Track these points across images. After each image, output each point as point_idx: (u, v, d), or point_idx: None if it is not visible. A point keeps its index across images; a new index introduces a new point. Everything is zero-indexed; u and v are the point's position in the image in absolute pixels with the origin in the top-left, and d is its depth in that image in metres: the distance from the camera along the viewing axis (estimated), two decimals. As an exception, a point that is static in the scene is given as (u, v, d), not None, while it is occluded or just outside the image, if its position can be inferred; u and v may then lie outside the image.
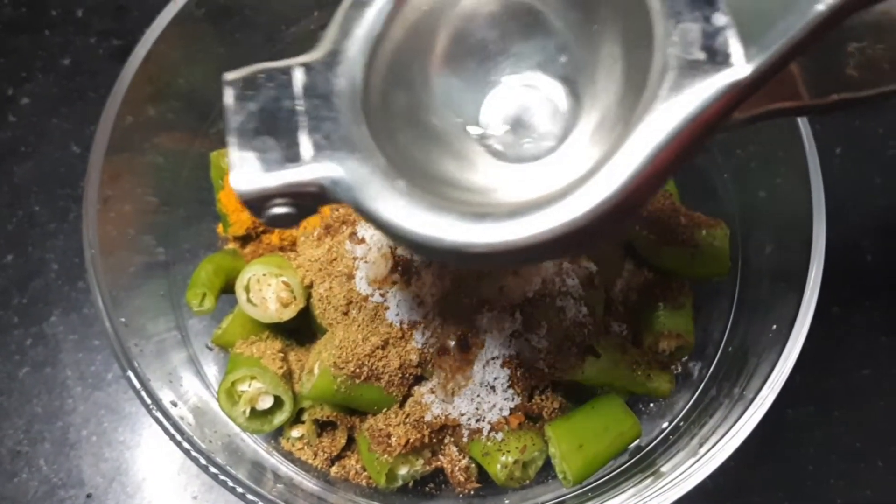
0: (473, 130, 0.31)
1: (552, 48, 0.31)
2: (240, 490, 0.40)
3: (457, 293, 0.43)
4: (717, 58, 0.23)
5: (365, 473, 0.46)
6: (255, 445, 0.46)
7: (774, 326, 0.42)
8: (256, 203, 0.26)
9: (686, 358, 0.49)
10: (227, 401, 0.43)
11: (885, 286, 0.58)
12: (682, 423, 0.47)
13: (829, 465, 0.54)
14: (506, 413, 0.43)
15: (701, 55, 0.24)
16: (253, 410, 0.44)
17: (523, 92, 0.31)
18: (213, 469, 0.40)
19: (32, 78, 0.64)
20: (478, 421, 0.43)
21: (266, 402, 0.44)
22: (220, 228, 0.51)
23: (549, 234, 0.24)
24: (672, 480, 0.39)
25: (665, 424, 0.48)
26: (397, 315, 0.43)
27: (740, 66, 0.23)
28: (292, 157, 0.26)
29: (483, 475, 0.45)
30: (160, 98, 0.45)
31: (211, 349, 0.49)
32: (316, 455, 0.46)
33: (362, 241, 0.44)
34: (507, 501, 0.47)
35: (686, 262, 0.47)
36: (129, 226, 0.46)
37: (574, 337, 0.43)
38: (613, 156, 0.24)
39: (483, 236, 0.25)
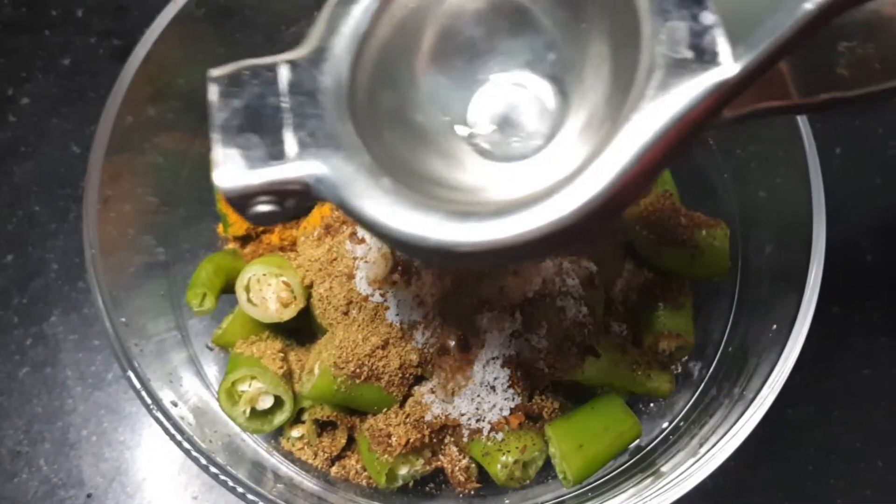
0: (461, 129, 0.31)
1: (540, 46, 0.31)
2: (240, 490, 0.40)
3: (457, 293, 0.43)
4: (704, 56, 0.23)
5: (365, 473, 0.46)
6: (255, 445, 0.46)
7: (774, 326, 0.42)
8: (240, 201, 0.26)
9: (686, 358, 0.49)
10: (228, 401, 0.43)
11: (885, 286, 0.58)
12: (682, 423, 0.47)
13: (829, 465, 0.54)
14: (506, 413, 0.43)
15: (688, 54, 0.23)
16: (253, 410, 0.44)
17: (511, 90, 0.31)
18: (213, 469, 0.40)
19: (32, 78, 0.64)
20: (478, 421, 0.43)
21: (266, 402, 0.44)
22: (220, 228, 0.51)
23: (535, 232, 0.24)
24: (672, 480, 0.39)
25: (665, 424, 0.48)
26: (397, 315, 0.43)
27: (728, 65, 0.23)
28: (277, 154, 0.26)
29: (483, 475, 0.45)
30: (160, 98, 0.45)
31: (211, 349, 0.49)
32: (316, 455, 0.46)
33: (362, 240, 0.44)
34: (507, 501, 0.47)
35: (686, 262, 0.47)
36: (129, 226, 0.46)
37: (574, 337, 0.43)
38: (600, 155, 0.24)
39: (468, 235, 0.25)
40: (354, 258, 0.44)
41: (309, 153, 0.26)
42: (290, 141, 0.26)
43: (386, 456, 0.43)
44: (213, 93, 0.27)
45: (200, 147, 0.49)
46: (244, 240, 0.50)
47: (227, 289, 0.47)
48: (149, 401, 0.41)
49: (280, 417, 0.45)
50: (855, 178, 0.61)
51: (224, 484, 0.40)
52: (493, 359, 0.43)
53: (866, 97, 0.29)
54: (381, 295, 0.43)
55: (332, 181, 0.26)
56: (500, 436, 0.43)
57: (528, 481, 0.44)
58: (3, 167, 0.61)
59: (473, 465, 0.45)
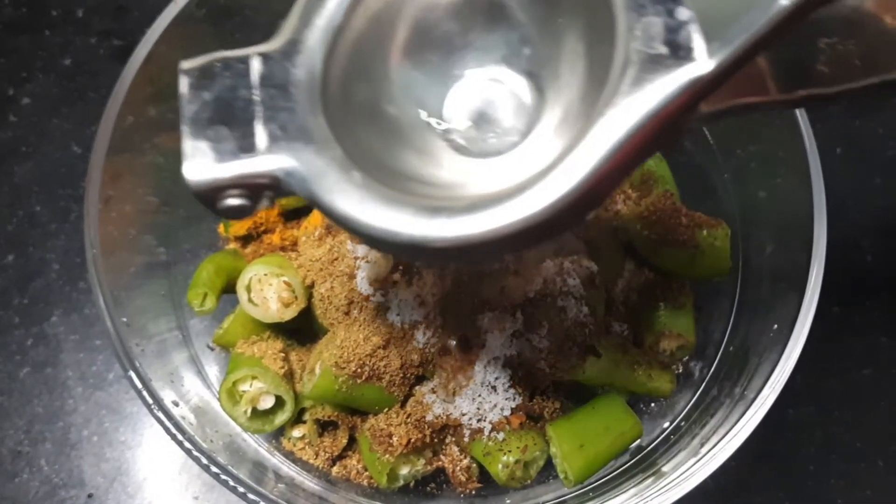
0: (436, 125, 0.31)
1: (516, 42, 0.30)
2: (241, 490, 0.40)
3: (458, 293, 0.43)
4: (679, 52, 0.23)
5: (366, 473, 0.46)
6: (256, 445, 0.46)
7: (775, 326, 0.42)
8: (209, 194, 0.26)
9: (687, 358, 0.49)
10: (229, 401, 0.43)
11: (885, 286, 0.58)
12: (683, 423, 0.47)
13: (829, 465, 0.54)
14: (507, 413, 0.43)
15: (663, 49, 0.23)
16: (254, 410, 0.44)
17: (487, 86, 0.31)
18: (214, 469, 0.40)
19: (33, 78, 0.64)
20: (479, 421, 0.43)
21: (267, 402, 0.44)
22: (221, 228, 0.51)
23: (507, 228, 0.24)
24: (673, 480, 0.40)
25: (666, 424, 0.48)
26: (398, 315, 0.43)
27: (702, 61, 0.23)
28: (247, 147, 0.25)
29: (484, 475, 0.45)
30: (161, 98, 0.45)
31: (212, 349, 0.49)
32: (317, 455, 0.46)
33: (363, 241, 0.44)
34: (508, 501, 0.47)
35: (687, 263, 0.47)
36: (130, 226, 0.46)
37: (575, 337, 0.43)
38: (573, 150, 0.24)
39: (439, 230, 0.24)
40: (355, 258, 0.44)
41: (279, 146, 0.25)
42: (260, 134, 0.26)
43: (387, 456, 0.43)
44: (184, 85, 0.27)
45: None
46: (245, 240, 0.50)
47: (229, 289, 0.47)
48: (150, 401, 0.41)
49: (281, 417, 0.45)
50: (855, 178, 0.61)
51: (225, 484, 0.40)
52: (495, 359, 0.43)
53: (845, 94, 0.28)
54: (383, 295, 0.43)
55: (303, 175, 0.25)
56: (501, 436, 0.43)
57: (529, 481, 0.44)
58: (4, 167, 0.61)
59: (474, 465, 0.45)
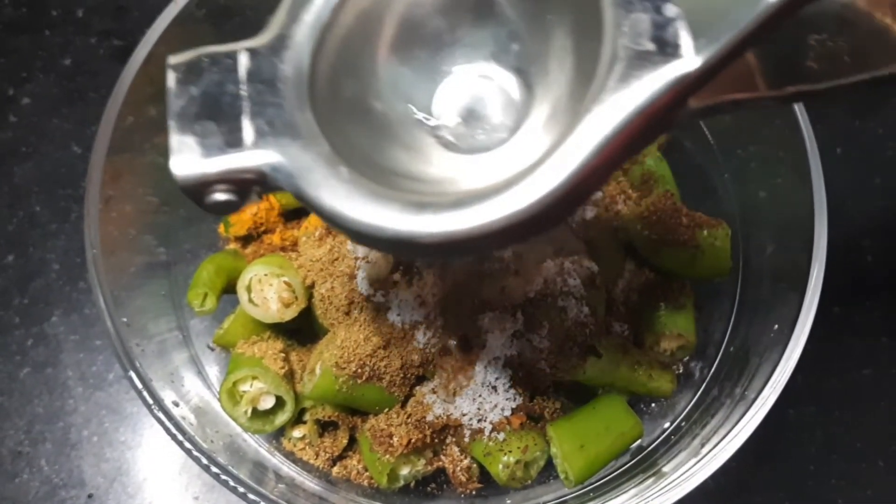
0: (425, 121, 0.31)
1: (504, 38, 0.30)
2: (241, 490, 0.40)
3: (458, 293, 0.43)
4: (666, 49, 0.23)
5: (367, 473, 0.46)
6: (256, 445, 0.46)
7: (776, 326, 0.42)
8: (196, 189, 0.26)
9: (687, 358, 0.49)
10: (229, 401, 0.43)
11: (885, 286, 0.58)
12: (683, 424, 0.47)
13: (830, 465, 0.54)
14: (507, 413, 0.43)
15: (650, 46, 0.23)
16: (254, 410, 0.44)
17: (476, 82, 0.31)
18: (214, 469, 0.40)
19: (33, 78, 0.64)
20: (479, 421, 0.43)
21: (268, 403, 0.44)
22: (221, 228, 0.51)
23: (493, 224, 0.24)
24: (674, 480, 0.40)
25: (667, 424, 0.48)
26: (399, 315, 0.43)
27: (689, 58, 0.23)
28: (233, 142, 0.25)
29: (485, 475, 0.45)
30: (161, 98, 0.45)
31: (212, 349, 0.49)
32: (318, 455, 0.46)
33: (364, 241, 0.44)
34: (508, 502, 0.47)
35: (687, 263, 0.47)
36: (130, 226, 0.46)
37: (575, 337, 0.43)
38: (559, 147, 0.24)
39: (425, 226, 0.24)
40: (356, 258, 0.44)
41: (266, 141, 0.25)
42: (247, 129, 0.26)
43: (387, 456, 0.43)
44: (171, 80, 0.27)
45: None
46: (245, 240, 0.50)
47: (229, 289, 0.47)
48: (150, 401, 0.41)
49: (281, 418, 0.45)
50: (855, 178, 0.61)
51: (225, 484, 0.40)
52: (495, 359, 0.43)
53: (835, 90, 0.28)
54: (383, 295, 0.43)
55: (289, 170, 0.25)
56: (501, 436, 0.43)
57: (529, 481, 0.44)
58: (4, 167, 0.61)
59: (475, 466, 0.45)
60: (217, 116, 0.26)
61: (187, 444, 0.40)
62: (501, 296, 0.43)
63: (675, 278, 0.48)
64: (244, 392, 0.43)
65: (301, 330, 0.48)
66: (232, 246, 0.51)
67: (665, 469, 0.42)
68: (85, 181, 0.42)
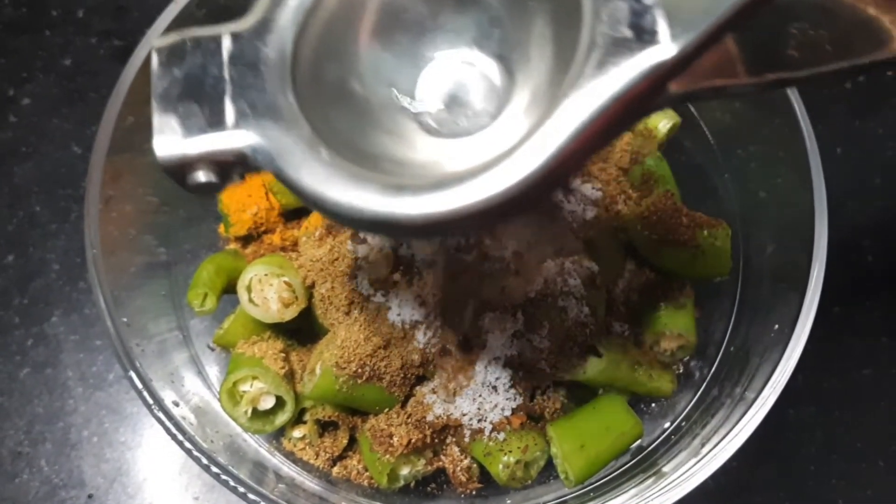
0: (408, 106, 0.31)
1: (486, 24, 0.31)
2: (241, 490, 0.40)
3: (459, 293, 0.43)
4: (643, 36, 0.23)
5: (367, 473, 0.46)
6: (256, 445, 0.46)
7: (776, 326, 0.42)
8: (178, 170, 0.26)
9: (688, 358, 0.49)
10: (229, 401, 0.43)
11: (885, 286, 0.58)
12: (683, 424, 0.47)
13: (830, 465, 0.54)
14: (507, 413, 0.43)
15: (628, 33, 0.24)
16: (255, 411, 0.44)
17: (459, 68, 0.31)
18: (214, 469, 0.40)
19: (33, 78, 0.64)
20: (479, 421, 0.43)
21: (268, 403, 0.44)
22: (221, 228, 0.51)
23: (470, 207, 0.24)
24: (674, 480, 0.40)
25: (667, 424, 0.48)
26: (399, 315, 0.43)
27: (666, 45, 0.23)
28: (215, 123, 0.26)
29: (485, 475, 0.45)
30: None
31: (212, 349, 0.49)
32: (318, 455, 0.46)
33: (364, 241, 0.44)
34: (508, 502, 0.47)
35: (687, 262, 0.47)
36: (130, 226, 0.46)
37: (576, 337, 0.43)
38: (536, 132, 0.24)
39: (403, 208, 0.25)
40: (356, 258, 0.44)
41: (247, 123, 0.26)
42: (229, 111, 0.26)
43: (387, 456, 0.43)
44: (155, 62, 0.27)
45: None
46: (245, 240, 0.50)
47: (229, 289, 0.47)
48: (150, 401, 0.41)
49: (281, 418, 0.45)
50: (855, 178, 0.61)
51: (225, 484, 0.40)
52: (495, 359, 0.43)
53: (813, 78, 0.29)
54: (383, 295, 0.43)
55: (269, 151, 0.26)
56: (501, 436, 0.43)
57: (529, 481, 0.44)
58: (4, 167, 0.61)
59: (475, 466, 0.45)
60: (199, 98, 0.26)
61: (187, 444, 0.40)
62: (501, 296, 0.43)
63: (675, 278, 0.48)
64: (244, 392, 0.43)
65: (301, 330, 0.48)
66: (232, 246, 0.51)
67: (665, 469, 0.42)
68: (85, 181, 0.42)
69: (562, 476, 0.45)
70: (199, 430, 0.42)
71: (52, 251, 0.59)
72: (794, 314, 0.41)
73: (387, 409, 0.44)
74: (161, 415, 0.40)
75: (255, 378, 0.44)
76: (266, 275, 0.45)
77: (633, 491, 0.41)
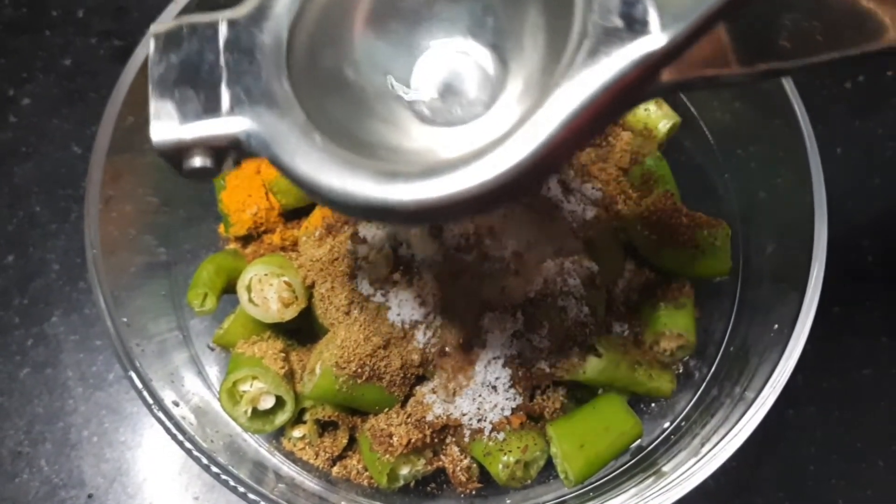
0: (403, 96, 0.31)
1: (480, 14, 0.31)
2: (241, 490, 0.40)
3: (459, 293, 0.43)
4: (634, 26, 0.24)
5: (367, 473, 0.46)
6: (256, 445, 0.46)
7: (776, 326, 0.42)
8: (173, 155, 0.27)
9: (687, 358, 0.49)
10: (229, 401, 0.43)
11: (885, 286, 0.58)
12: (683, 423, 0.47)
13: (830, 465, 0.54)
14: (507, 413, 0.43)
15: (619, 23, 0.24)
16: (254, 410, 0.44)
17: (454, 58, 0.32)
18: (214, 469, 0.40)
19: (33, 78, 0.64)
20: (479, 421, 0.43)
21: (268, 402, 0.44)
22: (221, 229, 0.51)
23: (461, 194, 0.24)
24: (673, 480, 0.40)
25: (666, 424, 0.48)
26: (399, 315, 0.43)
27: (656, 35, 0.23)
28: (210, 109, 0.26)
29: (484, 475, 0.45)
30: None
31: (212, 349, 0.49)
32: (317, 455, 0.46)
33: (364, 241, 0.45)
34: (508, 501, 0.47)
35: (687, 262, 0.47)
36: (130, 226, 0.46)
37: (575, 337, 0.43)
38: (528, 120, 0.24)
39: (395, 194, 0.25)
40: (356, 258, 0.44)
41: (243, 109, 0.26)
42: (224, 97, 0.26)
43: (387, 456, 0.43)
44: (153, 48, 0.27)
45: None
46: (245, 240, 0.50)
47: (229, 289, 0.47)
48: (150, 401, 0.41)
49: (281, 417, 0.45)
50: (855, 178, 0.61)
51: (225, 484, 0.40)
52: (495, 359, 0.43)
53: (804, 68, 0.29)
54: (383, 295, 0.43)
55: (264, 137, 0.26)
56: (501, 436, 0.43)
57: (529, 481, 0.44)
58: (4, 168, 0.61)
59: (475, 465, 0.45)
60: (196, 84, 0.27)
61: (187, 444, 0.40)
62: (501, 296, 0.43)
63: (675, 278, 0.48)
64: (244, 392, 0.43)
65: (301, 330, 0.48)
66: (232, 246, 0.51)
67: (665, 469, 0.42)
68: (85, 181, 0.42)
69: (561, 476, 0.45)
70: (199, 430, 0.42)
71: (52, 251, 0.59)
72: (794, 314, 0.41)
73: (386, 409, 0.44)
74: (161, 415, 0.40)
75: (255, 378, 0.44)
76: (266, 275, 0.45)
77: (632, 491, 0.41)
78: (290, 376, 0.45)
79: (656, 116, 0.52)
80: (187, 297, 0.46)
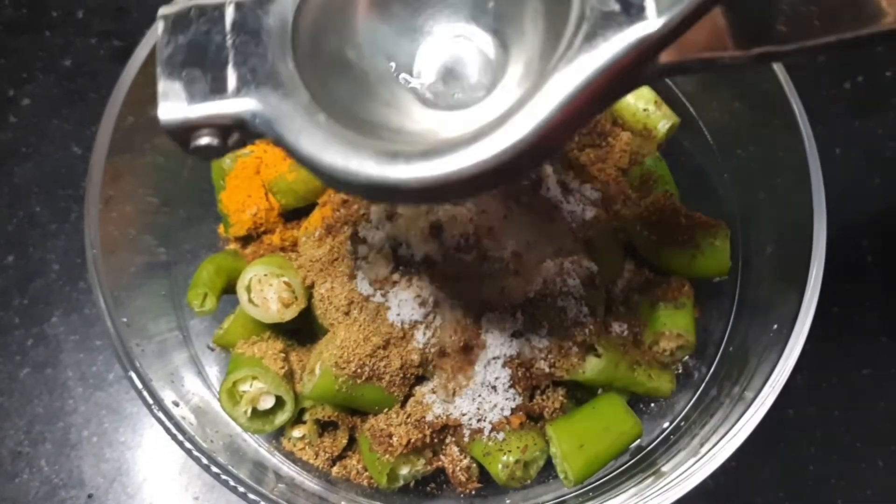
0: (405, 80, 0.32)
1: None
2: (241, 490, 0.40)
3: (458, 293, 0.43)
4: (630, 10, 0.24)
5: (366, 473, 0.46)
6: (256, 445, 0.46)
7: (775, 326, 0.43)
8: (181, 134, 0.27)
9: (687, 358, 0.49)
10: (229, 401, 0.43)
11: (885, 286, 0.59)
12: (682, 423, 0.47)
13: (829, 465, 0.54)
14: (507, 413, 0.43)
15: (616, 7, 0.24)
16: (254, 410, 0.44)
17: (456, 43, 0.32)
18: (214, 469, 0.40)
19: (33, 79, 0.64)
20: (479, 421, 0.43)
21: (267, 403, 0.44)
22: (221, 229, 0.51)
23: (461, 173, 0.25)
24: (673, 480, 0.40)
25: (666, 424, 0.48)
26: (398, 315, 0.43)
27: (652, 19, 0.24)
28: (217, 89, 0.27)
29: (484, 475, 0.45)
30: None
31: (212, 349, 0.49)
32: (317, 455, 0.46)
33: (364, 240, 0.45)
34: (508, 501, 0.47)
35: (686, 263, 0.47)
36: (130, 226, 0.46)
37: (575, 337, 0.43)
38: (527, 103, 0.25)
39: (396, 173, 0.25)
40: (355, 258, 0.44)
41: (248, 90, 0.27)
42: (231, 77, 0.27)
43: (387, 456, 0.43)
44: (161, 29, 0.28)
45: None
46: (245, 240, 0.50)
47: (229, 289, 0.47)
48: (150, 401, 0.41)
49: (281, 417, 0.45)
50: (855, 178, 0.61)
51: (225, 484, 0.40)
52: (495, 359, 0.43)
53: (800, 52, 0.29)
54: (382, 295, 0.43)
55: (268, 117, 0.27)
56: (501, 436, 0.43)
57: (529, 481, 0.44)
58: (4, 168, 0.61)
59: (474, 465, 0.45)
60: (203, 65, 0.27)
61: (187, 444, 0.40)
62: (501, 296, 0.43)
63: (675, 278, 0.48)
64: (244, 392, 0.43)
65: (301, 330, 0.48)
66: (232, 246, 0.51)
67: (664, 468, 0.42)
68: (85, 181, 0.42)
69: (561, 476, 0.45)
70: (199, 430, 0.42)
71: (52, 251, 0.59)
72: (793, 314, 0.41)
73: (386, 409, 0.44)
74: (161, 415, 0.40)
75: (254, 378, 0.44)
76: (266, 275, 0.45)
77: (632, 490, 0.41)
78: (289, 376, 0.45)
79: (656, 117, 0.52)
80: (187, 297, 0.46)
